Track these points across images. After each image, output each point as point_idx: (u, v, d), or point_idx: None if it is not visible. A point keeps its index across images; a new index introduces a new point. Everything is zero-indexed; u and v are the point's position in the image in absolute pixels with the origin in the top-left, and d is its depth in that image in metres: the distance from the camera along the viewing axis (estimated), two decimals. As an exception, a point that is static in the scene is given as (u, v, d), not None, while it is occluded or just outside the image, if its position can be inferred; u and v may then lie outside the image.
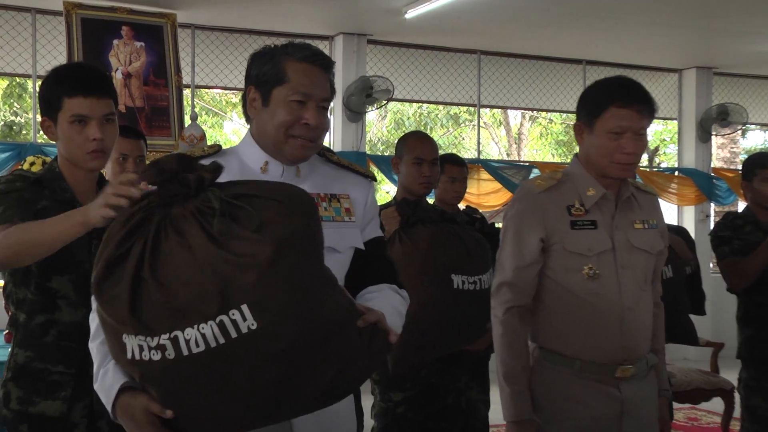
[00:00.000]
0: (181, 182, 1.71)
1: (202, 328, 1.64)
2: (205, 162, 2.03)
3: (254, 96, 2.15)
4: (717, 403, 6.10)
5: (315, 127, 2.11)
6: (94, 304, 1.92)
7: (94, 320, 1.97)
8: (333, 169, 2.31)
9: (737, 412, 5.05)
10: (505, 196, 9.29)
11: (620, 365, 2.69)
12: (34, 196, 2.64)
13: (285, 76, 2.09)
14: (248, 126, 2.27)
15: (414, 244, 3.43)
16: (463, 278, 3.41)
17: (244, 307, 1.63)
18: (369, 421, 3.90)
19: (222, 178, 1.97)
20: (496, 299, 2.82)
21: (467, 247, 3.50)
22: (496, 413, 3.67)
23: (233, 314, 1.63)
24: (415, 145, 3.82)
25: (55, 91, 2.69)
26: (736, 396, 5.08)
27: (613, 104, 2.69)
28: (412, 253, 3.40)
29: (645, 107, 2.69)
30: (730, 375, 5.43)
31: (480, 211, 4.51)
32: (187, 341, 1.65)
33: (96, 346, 1.96)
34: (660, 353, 2.93)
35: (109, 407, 1.88)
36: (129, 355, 1.70)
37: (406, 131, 17.82)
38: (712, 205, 10.45)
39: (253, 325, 1.64)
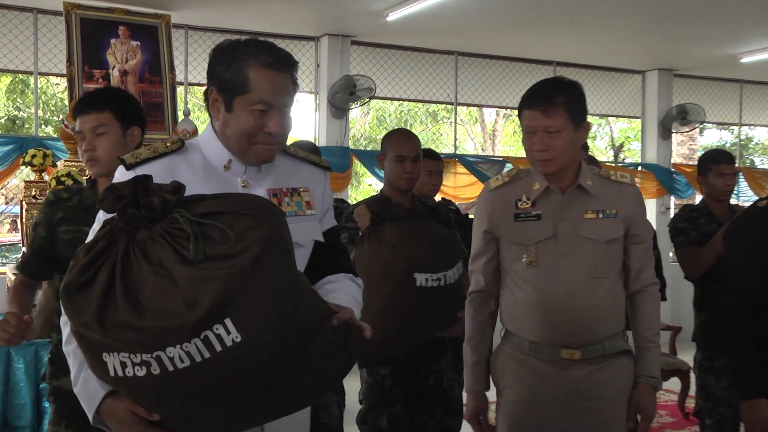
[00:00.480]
0: (146, 207, 1.64)
1: (186, 346, 1.59)
2: (173, 158, 2.03)
3: (216, 98, 2.04)
4: (675, 383, 6.18)
5: (276, 134, 2.02)
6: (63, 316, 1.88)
7: (66, 324, 1.88)
8: (291, 161, 2.22)
9: (693, 390, 5.10)
10: (479, 188, 9.25)
11: (565, 348, 2.72)
12: (51, 215, 2.94)
13: (247, 85, 1.97)
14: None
15: (380, 242, 3.34)
16: (427, 276, 3.33)
17: (228, 321, 1.59)
18: (352, 405, 3.88)
19: (185, 174, 1.97)
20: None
21: (431, 245, 3.41)
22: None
23: (217, 329, 1.58)
24: (398, 143, 3.74)
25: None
26: (692, 375, 5.16)
27: (524, 107, 2.78)
28: (378, 252, 3.33)
29: (549, 106, 2.68)
30: (687, 356, 5.50)
31: (455, 202, 4.53)
32: (171, 359, 1.60)
33: (72, 350, 1.89)
34: (646, 340, 2.86)
35: (91, 413, 1.84)
36: (111, 373, 1.65)
37: (388, 127, 17.88)
38: (672, 198, 10.53)
39: (237, 338, 1.59)
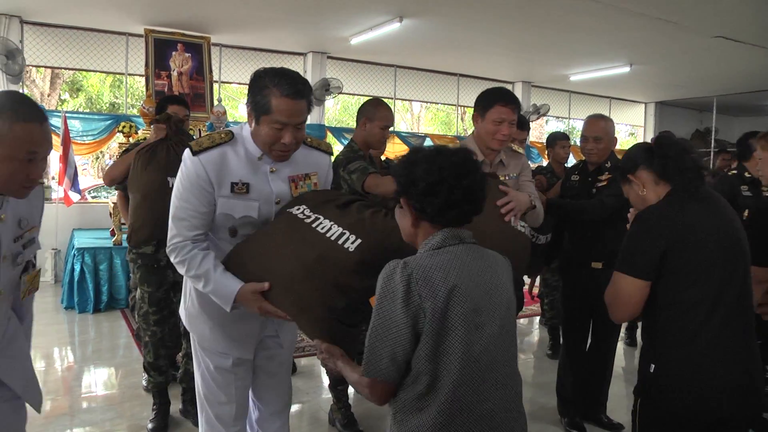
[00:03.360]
0: None
1: (334, 226, 1.73)
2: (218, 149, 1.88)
3: (250, 113, 1.83)
4: (525, 277, 6.24)
5: (289, 144, 1.82)
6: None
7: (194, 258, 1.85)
8: (306, 150, 2.00)
9: (538, 281, 5.13)
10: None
11: None
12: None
13: (270, 109, 1.77)
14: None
15: None
16: None
17: (356, 240, 1.68)
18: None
19: (232, 160, 1.85)
20: None
21: None
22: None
23: (352, 238, 1.69)
24: (386, 116, 3.07)
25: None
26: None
27: (497, 103, 2.50)
28: None
29: (516, 106, 2.52)
30: (533, 260, 5.57)
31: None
32: (324, 227, 1.75)
33: (203, 273, 1.83)
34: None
35: (229, 304, 1.81)
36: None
37: (351, 113, 17.56)
38: (530, 162, 10.59)
39: (352, 248, 1.67)
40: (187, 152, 1.85)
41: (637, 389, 1.85)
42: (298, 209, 1.82)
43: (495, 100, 2.52)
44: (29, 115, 1.47)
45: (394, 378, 1.36)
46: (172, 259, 1.89)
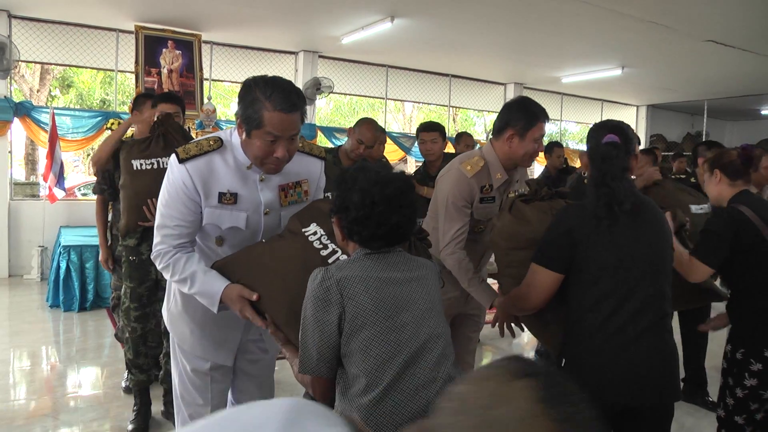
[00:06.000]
0: None
1: (321, 233, 1.73)
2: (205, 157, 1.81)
3: (240, 125, 1.73)
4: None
5: (282, 158, 1.72)
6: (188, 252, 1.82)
7: (179, 260, 1.79)
8: (298, 156, 1.86)
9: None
10: (400, 153, 9.35)
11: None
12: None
13: (261, 123, 1.66)
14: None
15: None
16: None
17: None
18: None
19: (220, 169, 1.79)
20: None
21: None
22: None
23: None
24: (363, 132, 3.48)
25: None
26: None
27: (541, 120, 2.30)
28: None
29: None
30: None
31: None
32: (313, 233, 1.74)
33: (188, 275, 1.76)
34: None
35: (215, 304, 1.74)
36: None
37: (343, 113, 17.52)
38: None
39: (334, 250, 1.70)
40: (173, 159, 1.78)
41: None
42: (315, 235, 1.73)
43: (537, 118, 2.31)
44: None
45: (325, 374, 1.44)
46: (157, 266, 1.83)
